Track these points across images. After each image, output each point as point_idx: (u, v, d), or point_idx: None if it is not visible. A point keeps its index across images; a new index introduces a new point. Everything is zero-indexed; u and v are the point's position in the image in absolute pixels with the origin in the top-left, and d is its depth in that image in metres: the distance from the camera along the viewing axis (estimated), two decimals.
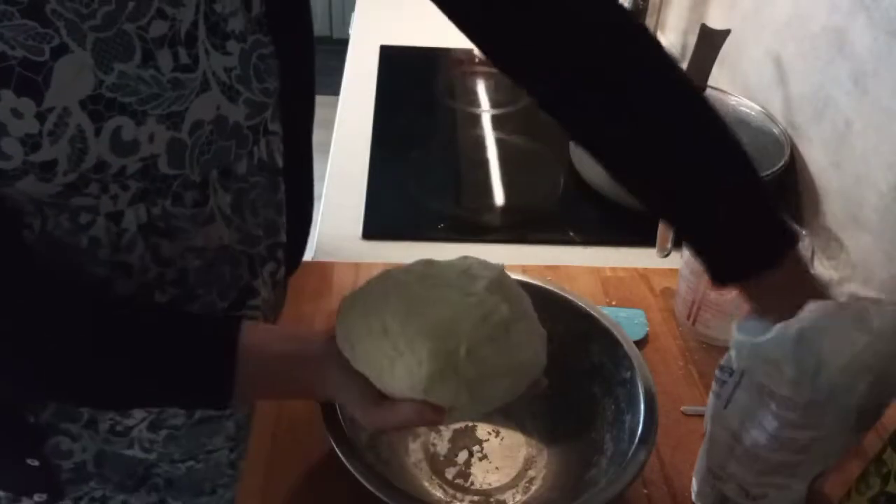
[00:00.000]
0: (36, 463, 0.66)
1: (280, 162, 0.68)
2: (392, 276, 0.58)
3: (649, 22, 1.42)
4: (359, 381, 0.55)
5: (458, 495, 0.65)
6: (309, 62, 0.70)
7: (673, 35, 1.58)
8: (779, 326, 0.52)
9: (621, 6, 0.61)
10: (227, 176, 0.63)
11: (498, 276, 0.56)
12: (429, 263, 0.59)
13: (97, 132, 0.51)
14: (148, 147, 0.54)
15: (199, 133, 0.57)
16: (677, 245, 0.84)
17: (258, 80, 0.60)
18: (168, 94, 0.54)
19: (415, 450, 0.69)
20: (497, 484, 0.66)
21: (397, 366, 0.53)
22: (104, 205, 0.55)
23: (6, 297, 0.52)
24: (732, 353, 0.57)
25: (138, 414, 0.68)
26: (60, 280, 0.56)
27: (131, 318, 0.56)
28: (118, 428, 0.68)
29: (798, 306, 0.53)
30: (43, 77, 0.48)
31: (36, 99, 0.48)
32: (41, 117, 0.48)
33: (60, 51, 0.48)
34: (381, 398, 0.55)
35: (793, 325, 0.51)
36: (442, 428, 0.71)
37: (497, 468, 0.68)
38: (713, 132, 0.60)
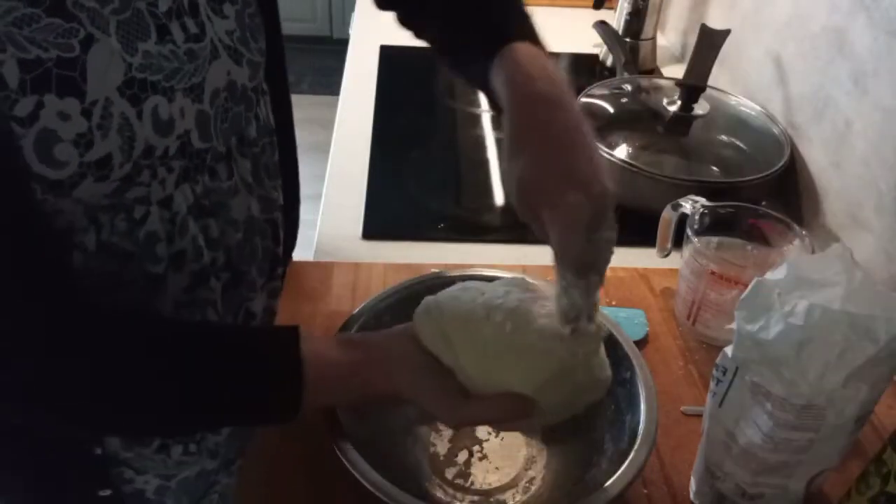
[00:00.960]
0: (108, 492, 0.66)
1: (273, 122, 0.69)
2: (489, 286, 0.61)
3: (649, 22, 1.42)
4: (443, 376, 0.56)
5: (458, 495, 0.65)
6: (276, 17, 0.70)
7: (673, 35, 1.58)
8: (784, 328, 0.52)
9: None
10: (243, 142, 0.64)
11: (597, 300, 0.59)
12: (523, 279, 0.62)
13: (139, 115, 0.51)
14: (181, 123, 0.55)
15: (217, 101, 0.59)
16: (677, 245, 0.84)
17: (254, 40, 0.62)
18: (187, 67, 0.55)
19: (415, 450, 0.69)
20: (497, 484, 0.66)
21: (524, 358, 0.54)
22: (155, 192, 0.56)
23: (67, 330, 0.51)
24: (730, 347, 0.57)
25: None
26: (110, 306, 0.55)
27: (187, 339, 0.55)
28: (191, 447, 0.68)
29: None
30: (79, 72, 0.48)
31: (79, 96, 0.48)
32: (87, 114, 0.49)
33: (88, 42, 0.48)
34: (465, 393, 0.56)
35: (800, 327, 0.51)
36: (442, 428, 0.71)
37: (497, 468, 0.68)
38: None
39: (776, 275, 0.55)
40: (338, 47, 1.78)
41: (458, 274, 0.72)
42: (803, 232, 0.79)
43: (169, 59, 0.54)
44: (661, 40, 1.53)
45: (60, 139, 0.48)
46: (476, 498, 0.65)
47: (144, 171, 0.54)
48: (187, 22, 0.55)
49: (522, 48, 0.58)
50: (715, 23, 1.21)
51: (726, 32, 1.14)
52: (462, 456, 0.69)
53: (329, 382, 0.57)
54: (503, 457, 0.69)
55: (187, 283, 0.60)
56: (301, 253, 0.88)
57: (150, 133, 0.52)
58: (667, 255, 0.88)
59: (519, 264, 0.88)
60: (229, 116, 0.60)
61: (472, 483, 0.66)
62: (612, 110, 1.15)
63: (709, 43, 1.12)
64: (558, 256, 0.54)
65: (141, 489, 0.68)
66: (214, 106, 0.58)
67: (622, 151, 1.05)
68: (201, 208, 0.60)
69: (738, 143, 1.09)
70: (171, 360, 0.53)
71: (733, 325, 0.56)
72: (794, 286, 0.54)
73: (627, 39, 1.42)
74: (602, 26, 1.37)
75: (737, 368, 0.56)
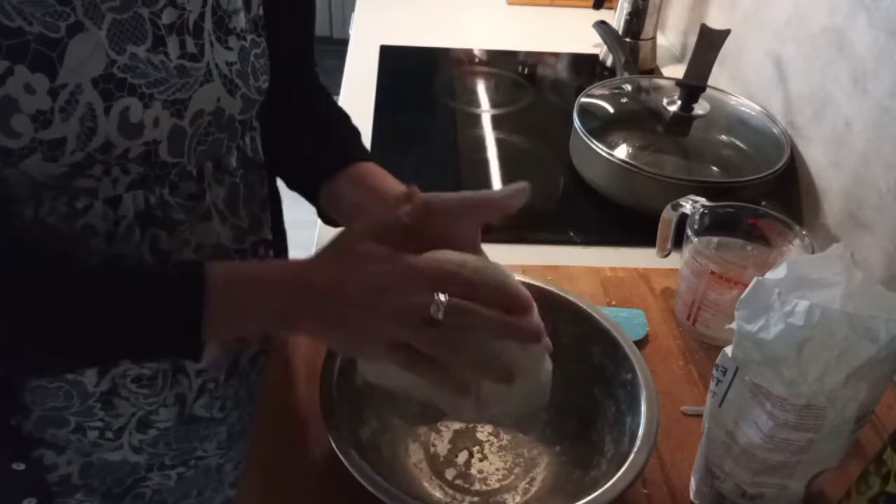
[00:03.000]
0: (21, 466, 0.66)
1: (262, 157, 0.69)
2: None
3: (649, 22, 1.42)
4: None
5: (458, 496, 0.65)
6: (296, 65, 0.72)
7: (673, 35, 1.58)
8: (784, 328, 0.52)
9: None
10: (220, 169, 0.64)
11: None
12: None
13: (106, 111, 0.52)
14: (152, 132, 0.55)
15: (199, 123, 0.59)
16: (677, 245, 0.84)
17: (254, 77, 0.62)
18: (174, 81, 0.55)
19: (415, 450, 0.69)
20: (497, 485, 0.66)
21: None
22: (104, 188, 0.56)
23: None
24: (730, 347, 0.57)
25: (126, 410, 0.67)
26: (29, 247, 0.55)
27: (91, 269, 0.55)
28: (107, 434, 0.67)
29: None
30: (58, 54, 0.49)
31: (49, 75, 0.49)
32: (53, 93, 0.49)
33: (75, 29, 0.49)
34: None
35: (800, 327, 0.51)
36: (442, 429, 0.71)
37: (497, 469, 0.68)
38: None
39: (776, 275, 0.55)
40: (338, 47, 1.79)
41: None
42: (803, 232, 0.79)
43: (157, 68, 0.54)
44: (661, 40, 1.53)
45: (20, 110, 0.48)
46: (476, 499, 0.65)
47: (97, 164, 0.54)
48: (187, 40, 0.56)
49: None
50: (715, 23, 1.21)
51: (726, 32, 1.13)
52: (462, 457, 0.69)
53: (233, 305, 0.52)
54: (503, 458, 0.69)
55: None
56: (301, 253, 0.88)
57: (112, 130, 0.53)
58: (667, 255, 0.88)
59: (519, 264, 0.88)
60: (209, 140, 0.61)
61: (472, 484, 0.66)
62: (612, 110, 1.15)
63: (709, 43, 1.12)
64: None
65: (67, 473, 0.69)
66: (194, 126, 0.58)
67: (622, 151, 1.05)
68: (152, 219, 0.59)
69: (738, 143, 1.09)
70: (65, 284, 0.52)
71: (733, 325, 0.56)
72: (794, 286, 0.54)
73: (627, 39, 1.42)
74: (602, 26, 1.37)
75: (737, 368, 0.56)
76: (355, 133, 0.77)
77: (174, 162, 0.59)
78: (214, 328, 0.52)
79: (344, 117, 0.79)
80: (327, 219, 0.72)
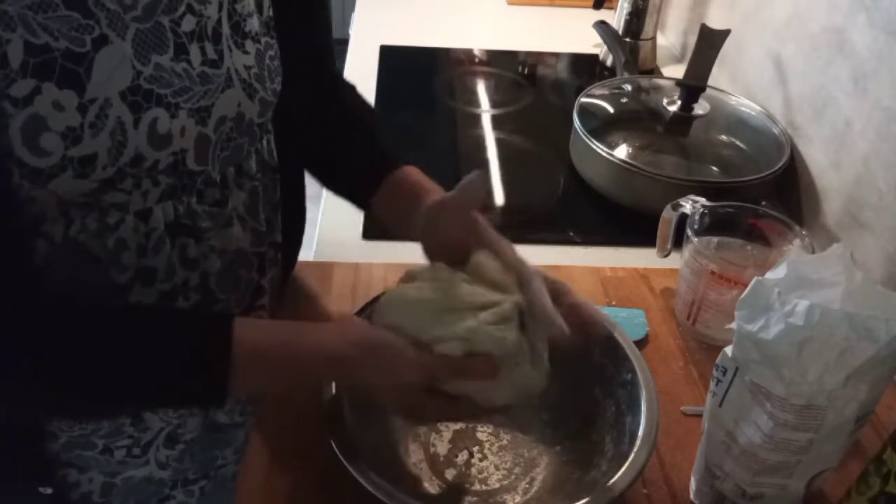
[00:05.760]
0: (49, 490, 0.66)
1: (276, 160, 0.69)
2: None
3: (649, 22, 1.42)
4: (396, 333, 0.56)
5: (458, 496, 0.65)
6: (309, 65, 0.71)
7: (673, 35, 1.58)
8: (784, 328, 0.52)
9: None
10: (241, 174, 0.64)
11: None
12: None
13: (136, 124, 0.52)
14: (179, 141, 0.55)
15: (222, 129, 0.59)
16: (677, 245, 0.84)
17: (270, 80, 0.62)
18: (197, 89, 0.55)
19: (415, 450, 0.69)
20: (497, 485, 0.66)
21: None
22: (134, 202, 0.56)
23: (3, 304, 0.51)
24: (730, 346, 0.57)
25: (155, 426, 0.67)
26: (61, 291, 0.55)
27: (122, 317, 0.55)
28: (135, 451, 0.68)
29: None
30: (85, 68, 0.48)
31: (78, 91, 0.48)
32: (83, 109, 0.49)
33: (101, 42, 0.49)
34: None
35: (800, 327, 0.51)
36: (442, 429, 0.71)
37: (497, 469, 0.68)
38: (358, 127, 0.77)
39: (776, 275, 0.55)
40: (338, 47, 1.78)
41: None
42: (803, 232, 0.79)
43: (181, 76, 0.54)
44: (661, 40, 1.53)
45: (49, 128, 0.48)
46: (476, 499, 0.65)
47: (128, 178, 0.53)
48: (207, 47, 0.56)
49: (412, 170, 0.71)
50: (715, 23, 1.21)
51: (726, 32, 1.13)
52: (462, 457, 0.69)
53: (260, 374, 0.55)
54: (503, 458, 0.69)
55: (154, 299, 0.60)
56: (301, 253, 0.88)
57: (142, 143, 0.52)
58: (667, 255, 0.88)
59: None
60: (231, 146, 0.61)
61: (472, 484, 0.66)
62: (612, 110, 1.15)
63: (709, 43, 1.12)
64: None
65: (87, 491, 0.68)
66: (218, 132, 0.58)
67: (622, 151, 1.05)
68: (181, 228, 0.59)
69: (738, 143, 1.09)
70: (98, 347, 0.53)
71: (733, 325, 0.56)
72: (794, 286, 0.54)
73: (627, 39, 1.42)
74: (602, 26, 1.37)
75: (737, 368, 0.56)
76: (394, 136, 0.78)
77: (200, 170, 0.58)
78: (239, 390, 0.56)
79: (376, 118, 0.80)
80: (373, 224, 0.73)
